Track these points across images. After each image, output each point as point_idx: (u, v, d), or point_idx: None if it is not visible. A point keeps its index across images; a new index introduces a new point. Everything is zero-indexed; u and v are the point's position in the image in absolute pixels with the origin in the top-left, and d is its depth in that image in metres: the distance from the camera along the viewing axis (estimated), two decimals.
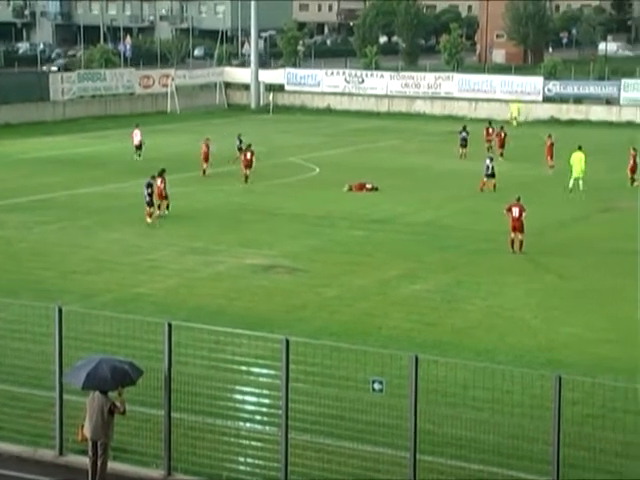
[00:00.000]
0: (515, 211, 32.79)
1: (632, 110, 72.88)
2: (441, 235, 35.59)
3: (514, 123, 65.68)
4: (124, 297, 27.04)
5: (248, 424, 16.94)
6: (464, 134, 54.15)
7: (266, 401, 16.86)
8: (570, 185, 44.14)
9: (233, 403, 17.35)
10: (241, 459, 16.23)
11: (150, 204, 36.45)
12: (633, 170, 45.52)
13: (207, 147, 47.57)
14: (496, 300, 27.37)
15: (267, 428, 16.54)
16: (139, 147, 53.17)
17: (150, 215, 36.18)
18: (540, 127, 59.39)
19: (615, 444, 16.16)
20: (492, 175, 44.12)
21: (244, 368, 16.98)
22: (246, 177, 45.88)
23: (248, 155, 46.23)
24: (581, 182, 44.04)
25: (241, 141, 52.63)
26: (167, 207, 38.28)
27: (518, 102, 72.48)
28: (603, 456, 15.75)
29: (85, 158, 54.64)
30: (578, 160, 44.64)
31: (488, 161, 44.59)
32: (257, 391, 17.19)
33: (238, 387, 17.60)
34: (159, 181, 38.01)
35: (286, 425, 15.50)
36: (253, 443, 16.34)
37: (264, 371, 16.65)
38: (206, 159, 47.41)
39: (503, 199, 42.54)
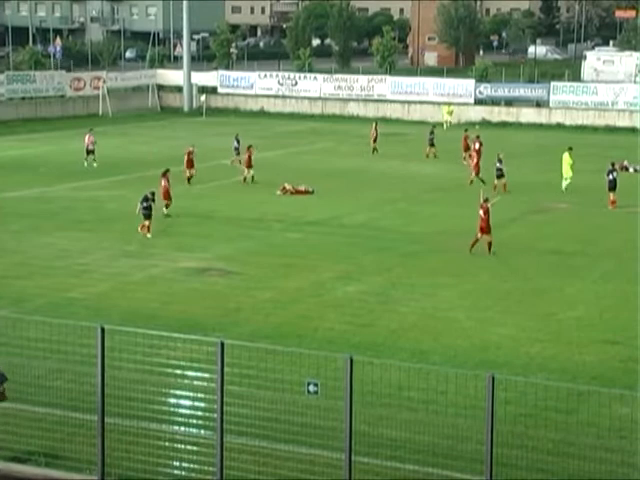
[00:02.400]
0: (480, 212, 32.95)
1: (561, 112, 73.97)
2: (375, 237, 35.75)
3: (445, 126, 66.27)
4: (56, 302, 26.71)
5: (183, 428, 16.83)
6: (432, 135, 55.43)
7: (201, 404, 16.76)
8: (563, 187, 44.46)
9: (168, 407, 17.24)
10: (176, 463, 16.12)
11: (147, 217, 34.96)
12: None
13: (189, 155, 46.15)
14: (430, 301, 27.56)
15: (202, 432, 16.45)
16: (91, 152, 51.16)
17: (148, 229, 34.83)
18: (472, 129, 59.94)
19: (547, 442, 16.39)
20: (501, 176, 44.28)
21: (179, 372, 16.87)
22: (248, 178, 46.12)
23: (248, 154, 46.23)
24: (567, 182, 44.37)
25: (239, 142, 52.53)
26: (166, 207, 38.21)
27: (449, 104, 73.07)
28: (535, 454, 15.94)
29: (14, 161, 53.91)
30: (565, 161, 44.95)
31: (497, 163, 44.79)
32: (192, 395, 17.08)
33: (173, 391, 17.49)
34: (163, 181, 38.32)
35: (221, 428, 15.43)
36: (188, 447, 16.24)
37: (199, 374, 16.56)
38: (190, 166, 45.96)
39: (437, 202, 43.00)
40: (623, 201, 41.28)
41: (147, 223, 35.08)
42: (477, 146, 52.27)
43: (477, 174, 45.56)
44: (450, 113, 68.64)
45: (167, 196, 38.39)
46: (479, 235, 32.97)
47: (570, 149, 45.46)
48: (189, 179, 45.67)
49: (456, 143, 55.96)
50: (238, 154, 51.67)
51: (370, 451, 15.95)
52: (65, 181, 46.91)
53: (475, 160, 45.85)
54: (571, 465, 15.88)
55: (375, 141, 56.91)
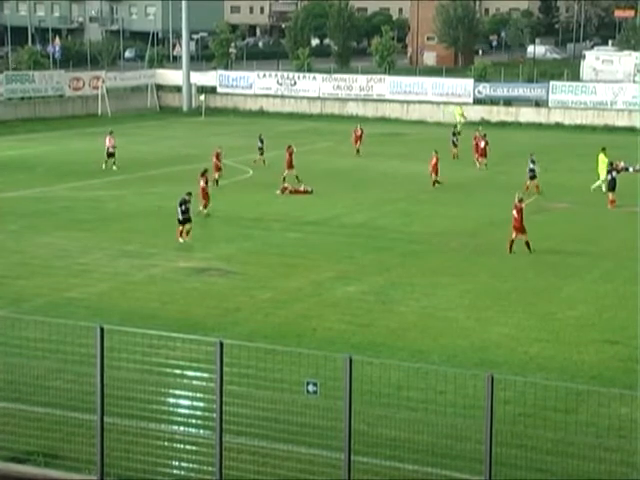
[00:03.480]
0: (514, 212, 33.11)
1: (560, 112, 73.96)
2: (375, 236, 35.75)
3: (458, 127, 64.70)
4: (56, 301, 26.71)
5: (182, 428, 16.83)
6: (455, 137, 55.26)
7: (200, 404, 16.76)
8: (599, 187, 44.27)
9: (167, 407, 17.24)
10: (175, 463, 16.12)
11: (183, 222, 33.81)
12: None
13: (217, 157, 45.81)
14: (430, 301, 27.57)
15: (201, 431, 16.45)
16: (111, 155, 50.15)
17: (181, 233, 33.78)
18: (471, 128, 59.91)
19: (546, 442, 16.39)
20: (534, 177, 44.21)
21: (178, 371, 16.87)
22: (287, 178, 45.97)
23: (289, 153, 46.25)
24: (597, 183, 44.15)
25: (262, 141, 52.50)
26: (204, 207, 38.21)
27: (460, 106, 71.74)
28: (534, 454, 15.95)
29: (13, 161, 53.90)
30: (601, 162, 44.72)
31: (530, 164, 44.75)
32: (191, 394, 17.08)
33: (172, 391, 17.49)
34: (202, 181, 38.37)
35: (220, 428, 15.43)
36: (187, 447, 16.24)
37: (198, 374, 16.56)
38: (218, 169, 45.44)
39: (436, 201, 43.00)
40: (622, 201, 41.29)
41: (184, 227, 33.72)
42: (483, 145, 52.43)
43: (435, 175, 45.19)
44: (462, 115, 68.19)
45: (206, 196, 38.42)
46: (514, 235, 33.10)
47: (604, 149, 45.10)
48: (217, 181, 44.97)
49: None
50: (262, 154, 51.88)
51: (369, 451, 15.96)
52: (64, 181, 46.90)
53: (434, 162, 45.39)
54: (570, 465, 15.88)
55: (358, 142, 56.21)
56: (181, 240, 33.77)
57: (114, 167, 49.74)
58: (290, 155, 46.80)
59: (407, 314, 26.32)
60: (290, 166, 46.61)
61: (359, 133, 56.70)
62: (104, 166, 49.93)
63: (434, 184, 45.37)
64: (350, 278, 29.92)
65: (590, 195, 42.74)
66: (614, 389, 18.74)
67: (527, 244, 32.98)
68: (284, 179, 45.96)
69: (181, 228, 33.81)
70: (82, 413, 16.99)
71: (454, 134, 55.91)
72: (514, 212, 33.09)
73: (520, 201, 33.47)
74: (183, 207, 33.82)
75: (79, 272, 30.23)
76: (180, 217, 33.81)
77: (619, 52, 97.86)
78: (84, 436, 16.59)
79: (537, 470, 15.81)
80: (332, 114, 79.08)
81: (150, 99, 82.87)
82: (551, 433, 16.46)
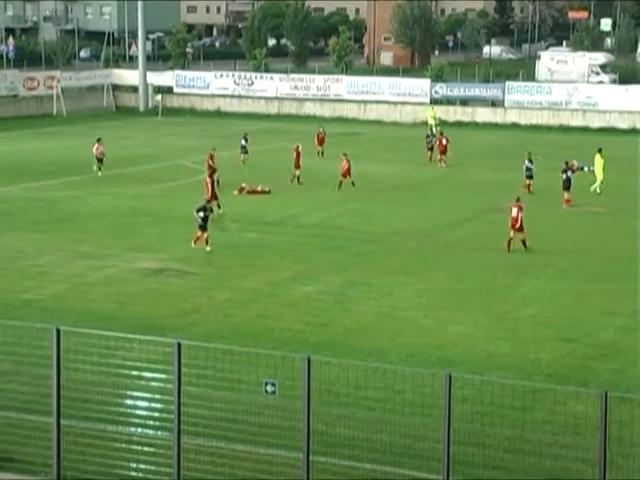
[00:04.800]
0: (514, 211, 33.31)
1: (516, 112, 74.48)
2: (331, 236, 35.78)
3: (434, 129, 63.85)
4: (11, 303, 26.46)
5: (140, 429, 16.75)
6: (431, 137, 54.62)
7: (158, 406, 16.69)
8: (598, 189, 44.34)
9: (124, 408, 17.14)
10: (133, 465, 16.04)
11: (203, 228, 32.81)
12: None
13: (211, 158, 45.10)
14: (387, 300, 27.64)
15: (159, 433, 16.38)
16: (100, 160, 48.39)
17: (207, 241, 32.76)
18: (427, 128, 60.18)
19: (503, 440, 16.49)
20: (531, 176, 44.34)
21: (135, 373, 16.78)
22: (298, 178, 45.91)
23: (344, 163, 45.56)
24: (597, 184, 44.21)
25: (247, 140, 52.16)
26: (218, 206, 37.88)
27: (432, 107, 70.68)
28: (492, 452, 16.04)
29: None
30: (597, 163, 44.84)
31: (528, 163, 44.83)
32: (149, 396, 17.01)
33: (129, 392, 17.39)
34: (209, 181, 38.47)
35: (178, 429, 15.38)
36: (145, 448, 16.16)
37: (156, 375, 16.48)
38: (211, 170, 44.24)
39: (392, 201, 43.11)
40: (577, 200, 41.66)
41: (201, 235, 32.80)
42: (444, 142, 52.66)
43: (345, 176, 44.88)
44: (434, 117, 68.13)
45: (213, 196, 38.33)
46: (512, 233, 33.33)
47: (600, 150, 45.34)
48: (218, 181, 44.25)
49: (413, 143, 56.20)
50: (246, 152, 51.86)
51: (328, 450, 15.97)
52: (20, 181, 46.46)
53: (345, 164, 45.14)
54: (527, 462, 16.00)
55: (322, 144, 55.49)
56: (208, 248, 32.68)
57: (99, 173, 48.03)
58: (297, 155, 46.59)
59: (365, 314, 26.37)
60: (297, 166, 46.42)
61: (322, 135, 56.12)
62: (99, 173, 48.03)
63: (340, 185, 44.77)
64: (307, 278, 29.93)
65: (545, 194, 43.05)
66: (570, 387, 18.90)
67: (523, 242, 33.29)
68: (297, 178, 45.90)
69: (199, 234, 32.87)
70: (38, 415, 16.85)
71: (427, 136, 55.30)
72: (513, 211, 33.33)
73: (517, 200, 33.86)
74: (202, 214, 32.71)
75: (35, 274, 29.97)
76: (200, 223, 32.74)
77: (573, 53, 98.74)
78: (40, 439, 16.45)
79: (494, 468, 15.90)
80: (290, 114, 79.05)
81: (106, 99, 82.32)
82: (508, 431, 16.57)
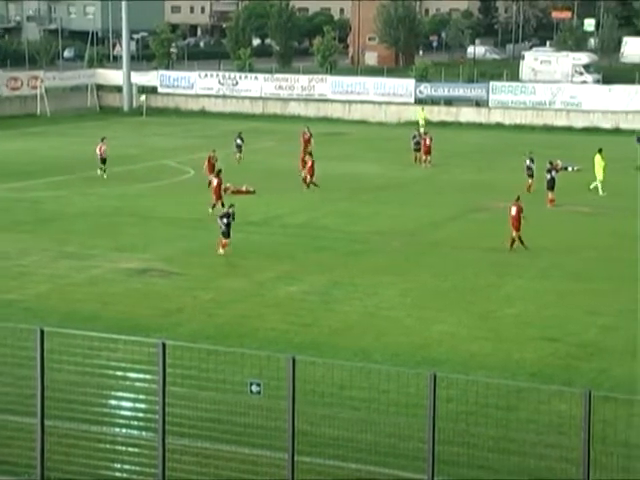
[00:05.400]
0: (513, 210, 33.53)
1: (500, 112, 74.65)
2: (316, 236, 35.79)
3: (422, 129, 63.28)
4: None
5: (124, 430, 16.72)
6: (417, 138, 54.22)
7: (143, 406, 16.66)
8: (596, 187, 44.29)
9: (109, 409, 17.11)
10: (117, 465, 16.01)
11: (227, 235, 32.42)
12: None
13: (210, 160, 44.65)
14: (372, 300, 27.66)
15: (144, 433, 16.35)
16: (104, 160, 47.69)
17: (224, 246, 32.41)
18: (412, 128, 60.17)
19: (488, 439, 16.53)
20: (532, 175, 44.38)
21: (120, 373, 16.75)
22: (308, 183, 45.08)
23: (309, 162, 45.41)
24: (598, 184, 44.26)
25: (242, 139, 52.02)
26: (222, 205, 37.22)
27: (422, 108, 70.75)
28: (476, 451, 16.07)
29: None
30: (597, 163, 44.86)
31: (529, 162, 44.85)
32: (133, 396, 16.98)
33: (114, 392, 17.36)
34: (215, 181, 38.37)
35: (163, 430, 15.35)
36: (129, 449, 16.13)
37: (140, 376, 16.45)
38: (212, 171, 43.54)
39: (378, 201, 43.15)
40: (561, 199, 41.78)
41: (225, 241, 32.41)
42: (428, 142, 52.73)
43: (311, 176, 44.74)
44: (424, 118, 68.09)
45: (219, 197, 38.35)
46: (513, 233, 33.57)
47: (600, 150, 45.32)
48: (210, 184, 44.30)
49: (398, 143, 56.27)
50: (241, 151, 52.05)
51: (313, 450, 15.97)
52: (3, 182, 46.29)
53: (310, 163, 45.09)
54: (511, 461, 16.04)
55: (308, 145, 53.91)
56: (221, 251, 32.42)
57: (104, 175, 47.30)
58: (310, 163, 46.35)
59: (349, 313, 26.39)
60: (304, 166, 46.33)
61: (307, 136, 55.70)
62: (99, 172, 47.46)
63: (308, 185, 44.66)
64: (292, 278, 29.93)
65: (529, 194, 43.13)
66: (553, 386, 18.96)
67: (520, 239, 33.49)
68: (306, 180, 45.48)
69: (224, 241, 32.45)
70: (22, 417, 16.80)
71: (414, 137, 54.85)
72: (512, 210, 33.49)
73: (517, 199, 34.08)
74: (225, 220, 32.36)
75: (18, 274, 29.87)
76: (224, 229, 32.35)
77: (557, 53, 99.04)
78: (24, 440, 16.39)
79: (479, 467, 15.94)
80: (274, 114, 79.04)
81: (90, 99, 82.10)
82: (493, 430, 16.61)
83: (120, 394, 17.27)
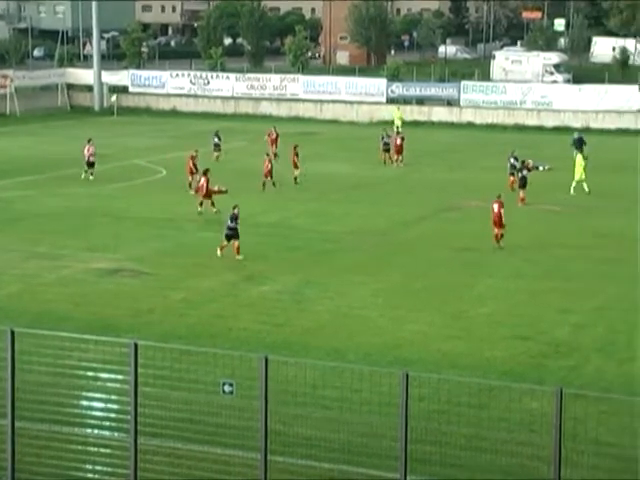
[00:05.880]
0: (495, 207, 33.80)
1: (472, 111, 74.90)
2: (288, 236, 35.77)
3: (397, 129, 63.09)
4: None
5: (96, 430, 16.64)
6: (386, 139, 54.07)
7: (115, 406, 16.59)
8: (581, 187, 44.33)
9: (80, 410, 17.02)
10: (89, 467, 15.93)
11: (231, 237, 31.86)
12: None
13: (193, 160, 44.45)
14: (344, 300, 27.68)
15: (115, 434, 16.28)
16: (91, 165, 46.73)
17: (238, 251, 31.73)
18: (384, 128, 60.22)
19: (460, 438, 16.58)
20: (513, 174, 44.56)
21: (91, 374, 16.66)
22: (298, 177, 46.10)
23: (296, 158, 46.29)
24: (584, 185, 44.26)
25: (220, 138, 51.86)
26: (212, 204, 38.23)
27: (398, 108, 70.54)
28: (449, 450, 16.12)
29: None
30: (577, 163, 44.92)
31: (513, 160, 44.97)
32: (105, 397, 16.90)
33: (85, 393, 17.27)
34: (203, 180, 38.58)
35: (135, 430, 15.29)
36: (101, 450, 16.06)
37: (112, 376, 16.38)
38: (191, 173, 43.97)
39: (349, 201, 43.18)
40: (533, 198, 41.97)
41: (235, 243, 31.79)
42: (399, 142, 52.85)
43: (269, 177, 44.44)
44: (401, 118, 68.16)
45: (206, 195, 38.59)
46: (495, 230, 33.85)
47: (582, 150, 45.48)
48: (191, 184, 43.54)
49: (370, 142, 56.33)
50: (219, 150, 52.19)
51: (286, 450, 15.95)
52: None
53: (267, 164, 44.94)
54: (483, 459, 16.11)
55: (274, 145, 54.54)
56: (218, 254, 31.91)
57: (91, 177, 46.63)
58: (296, 155, 46.43)
59: (322, 313, 26.40)
60: (296, 166, 46.36)
61: (274, 136, 55.73)
62: (83, 175, 46.78)
63: (264, 185, 44.50)
64: (264, 278, 29.90)
65: (512, 192, 43.21)
66: (525, 384, 19.05)
67: (501, 236, 33.75)
68: (295, 179, 46.03)
69: (235, 243, 31.84)
70: None
71: (383, 137, 54.79)
72: (494, 207, 33.74)
73: (498, 197, 34.37)
74: (231, 224, 31.89)
75: None
76: (229, 232, 31.84)
77: (527, 52, 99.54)
78: None
79: (451, 466, 15.99)
80: (246, 114, 78.92)
81: (60, 98, 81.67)
82: (465, 429, 16.66)
83: (92, 395, 17.19)
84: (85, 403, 17.24)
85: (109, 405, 16.81)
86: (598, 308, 26.98)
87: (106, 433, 16.49)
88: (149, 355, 15.89)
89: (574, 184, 44.58)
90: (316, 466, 16.01)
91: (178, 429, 15.98)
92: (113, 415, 16.59)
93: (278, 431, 15.75)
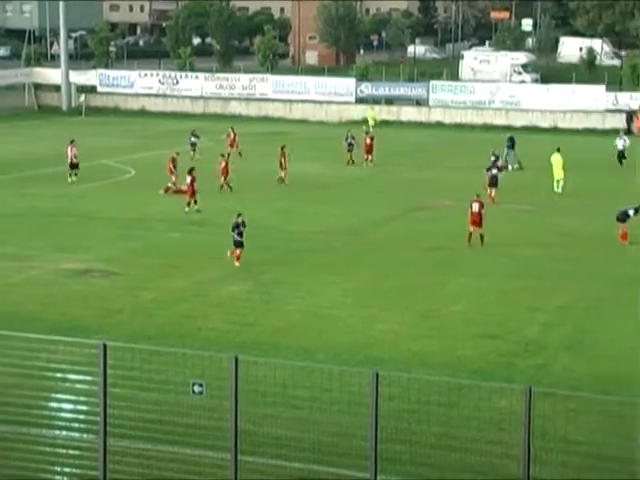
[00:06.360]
0: (475, 206, 33.96)
1: (440, 111, 75.12)
2: (257, 236, 35.59)
3: (371, 129, 62.69)
4: None
5: (65, 432, 16.53)
6: (350, 139, 53.74)
7: (83, 408, 16.49)
8: (559, 189, 44.47)
9: (48, 411, 16.89)
10: (57, 468, 15.82)
11: (239, 245, 31.22)
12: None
13: (172, 162, 44.20)
14: (314, 300, 27.66)
15: (85, 435, 16.18)
16: (75, 166, 46.29)
17: (238, 258, 31.15)
18: (353, 128, 60.26)
19: (430, 436, 16.60)
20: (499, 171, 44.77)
21: (60, 375, 16.56)
22: (285, 178, 46.30)
23: (283, 159, 46.34)
24: (561, 184, 44.38)
25: (197, 137, 51.60)
26: (195, 202, 38.91)
27: (372, 108, 70.85)
28: (419, 449, 16.14)
29: None
30: (556, 162, 45.04)
31: (494, 159, 45.03)
32: (74, 398, 16.80)
33: (54, 394, 17.15)
34: (189, 179, 38.93)
35: (104, 431, 15.20)
36: (70, 451, 15.95)
37: (81, 377, 16.28)
38: (171, 174, 43.86)
39: (318, 200, 43.18)
40: (502, 197, 42.13)
41: (237, 251, 31.27)
42: (368, 141, 52.93)
43: (225, 177, 44.32)
44: (374, 117, 68.04)
45: (192, 194, 39.01)
46: (471, 229, 33.85)
47: (559, 149, 45.51)
48: (169, 189, 43.57)
49: (339, 142, 56.19)
50: (195, 149, 52.25)
51: (256, 450, 15.92)
52: None
53: (223, 164, 44.84)
54: (453, 458, 16.14)
55: (234, 145, 54.23)
56: (237, 264, 31.27)
57: (74, 178, 46.17)
58: (283, 156, 46.28)
59: (291, 313, 26.37)
60: (282, 166, 46.31)
61: (232, 136, 55.43)
62: (69, 179, 46.18)
63: (222, 187, 44.25)
64: (233, 277, 29.83)
65: (471, 192, 43.36)
66: (494, 383, 19.12)
67: (481, 237, 33.84)
68: (282, 180, 46.10)
69: (237, 252, 31.31)
70: None
71: (347, 138, 54.11)
72: (474, 207, 33.88)
73: (478, 196, 34.60)
74: (236, 231, 31.28)
75: None
76: (237, 239, 31.27)
77: (496, 52, 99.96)
78: None
79: (421, 465, 16.00)
80: (215, 113, 78.70)
81: (28, 98, 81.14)
82: (435, 427, 16.68)
83: (60, 396, 17.08)
84: (53, 404, 17.12)
85: (78, 406, 16.71)
86: (567, 307, 27.14)
87: (75, 434, 16.39)
88: (118, 356, 15.81)
89: (556, 183, 44.75)
90: (286, 466, 15.99)
91: (148, 430, 15.90)
92: (82, 416, 16.49)
93: (248, 431, 15.71)
